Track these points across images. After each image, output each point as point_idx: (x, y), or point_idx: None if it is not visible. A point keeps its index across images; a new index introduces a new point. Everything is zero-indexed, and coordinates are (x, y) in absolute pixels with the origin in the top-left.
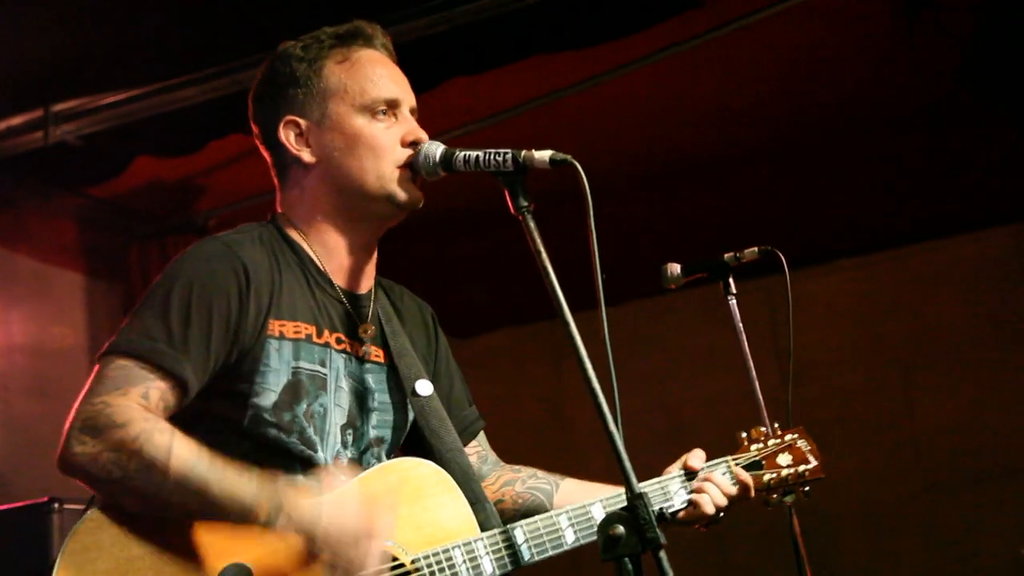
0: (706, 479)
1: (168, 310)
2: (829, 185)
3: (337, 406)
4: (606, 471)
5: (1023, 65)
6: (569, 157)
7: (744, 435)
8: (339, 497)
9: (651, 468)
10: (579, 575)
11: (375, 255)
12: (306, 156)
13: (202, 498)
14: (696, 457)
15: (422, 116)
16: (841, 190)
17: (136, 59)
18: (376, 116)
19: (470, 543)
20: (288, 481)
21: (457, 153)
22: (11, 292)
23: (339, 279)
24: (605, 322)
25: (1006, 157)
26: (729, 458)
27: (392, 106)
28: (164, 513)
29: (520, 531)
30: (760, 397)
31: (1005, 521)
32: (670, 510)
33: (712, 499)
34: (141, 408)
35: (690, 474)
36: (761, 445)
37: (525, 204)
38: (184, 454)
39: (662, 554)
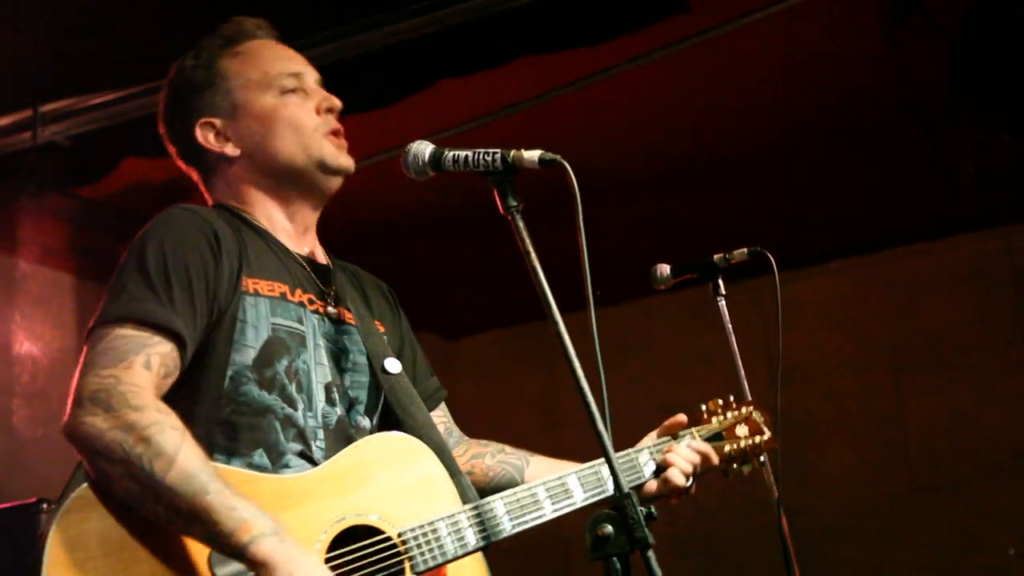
0: (670, 450)
1: (148, 274)
2: (819, 187)
3: (318, 364)
4: None
5: (1014, 67)
6: (558, 157)
7: (704, 408)
8: (319, 566)
9: None
10: (569, 574)
11: (314, 231)
12: (229, 150)
13: (197, 500)
14: (673, 424)
15: (413, 117)
16: (831, 192)
17: (124, 60)
18: (284, 93)
19: (454, 515)
20: (272, 494)
21: (446, 153)
22: (1, 294)
23: (294, 245)
24: (594, 323)
25: (996, 159)
26: (692, 430)
27: (298, 79)
28: (151, 507)
29: (501, 503)
30: (749, 398)
31: (995, 522)
32: (639, 481)
33: (680, 469)
34: (152, 392)
35: (658, 444)
36: (721, 417)
37: (514, 204)
38: (192, 455)
39: (650, 553)
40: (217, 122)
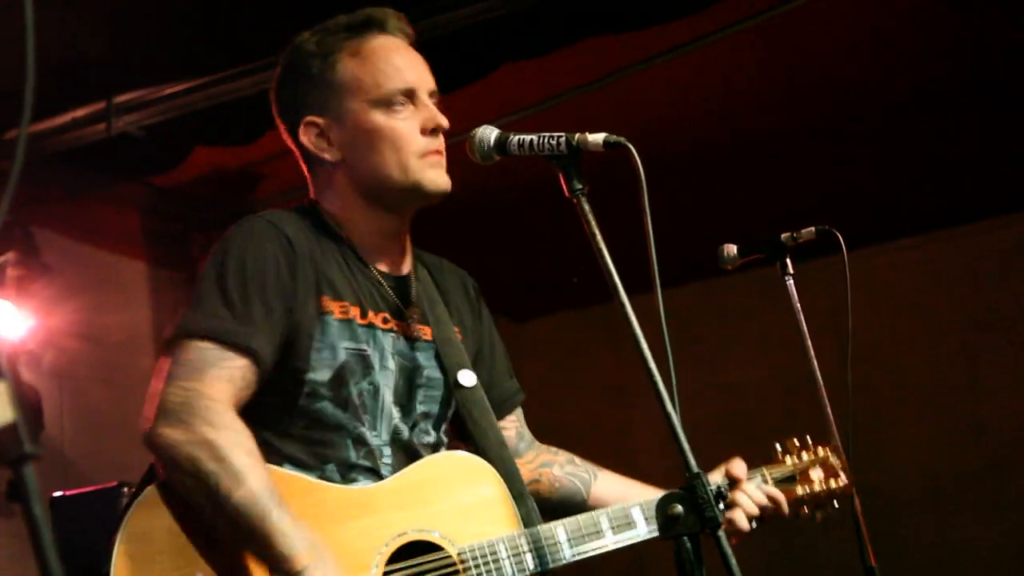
0: (740, 490)
1: (226, 289)
2: (888, 164)
3: (386, 385)
4: (664, 453)
5: None
6: (623, 139)
7: (779, 447)
8: None
9: (709, 450)
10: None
11: (408, 238)
12: (329, 156)
13: (257, 524)
14: (737, 465)
15: (477, 102)
16: (900, 169)
17: (195, 50)
18: (393, 108)
19: (514, 538)
20: (335, 503)
21: (511, 137)
22: (77, 281)
23: (377, 263)
24: (661, 304)
25: None
26: (764, 469)
27: (409, 94)
28: (213, 520)
29: (563, 529)
30: (819, 378)
31: None
32: None
33: (745, 511)
34: (230, 408)
35: (730, 482)
36: (795, 458)
37: (579, 187)
38: (261, 479)
39: (721, 533)
40: (321, 123)
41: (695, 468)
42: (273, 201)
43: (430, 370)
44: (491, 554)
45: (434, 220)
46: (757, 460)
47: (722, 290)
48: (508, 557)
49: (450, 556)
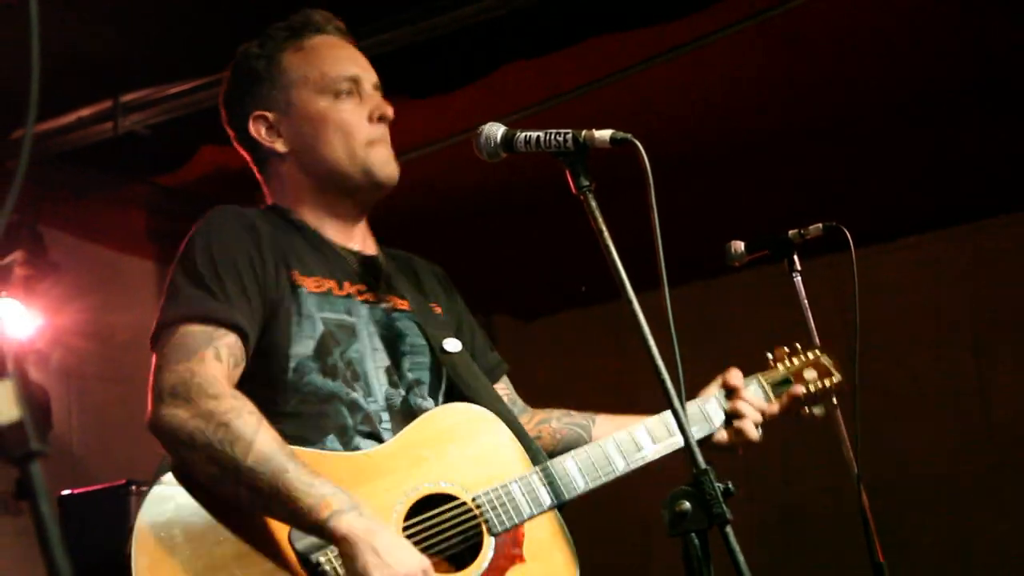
0: (740, 399)
1: (199, 275)
2: (896, 162)
3: (374, 350)
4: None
5: None
6: (629, 136)
7: (770, 355)
8: (398, 539)
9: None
10: (650, 553)
11: (368, 226)
12: (279, 147)
13: (276, 479)
14: (733, 375)
15: (481, 100)
16: (909, 166)
17: (201, 49)
18: (339, 96)
19: (526, 477)
20: (346, 471)
21: (518, 134)
22: (84, 280)
23: (343, 243)
24: (669, 301)
25: None
26: (759, 375)
27: (355, 83)
28: (232, 489)
29: (572, 461)
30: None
31: None
32: (709, 431)
33: (751, 419)
34: (227, 381)
35: (727, 392)
36: (787, 363)
37: (586, 184)
38: (269, 438)
39: (728, 529)
40: (270, 116)
41: (702, 464)
42: None
43: (413, 337)
44: (506, 495)
45: (437, 219)
46: (769, 455)
47: (729, 288)
48: (523, 495)
49: (466, 503)
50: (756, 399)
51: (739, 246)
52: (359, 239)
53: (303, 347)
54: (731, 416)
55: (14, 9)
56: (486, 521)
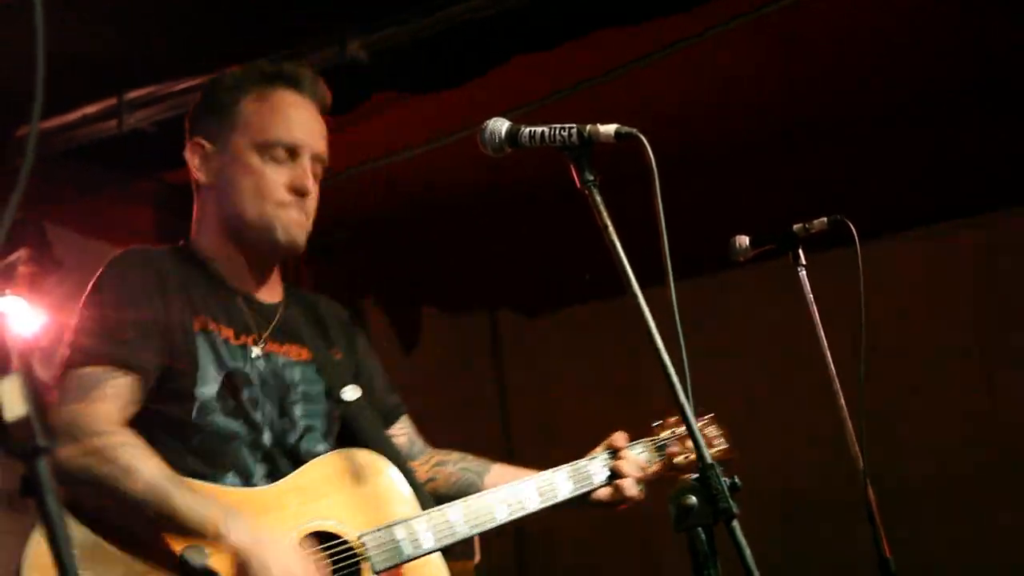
0: (623, 459)
1: (101, 317)
2: (902, 153)
3: (268, 396)
4: None
5: None
6: (634, 130)
7: (657, 423)
8: (279, 548)
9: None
10: (650, 548)
11: (277, 273)
12: (203, 177)
13: (164, 505)
14: (617, 437)
15: (486, 95)
16: (913, 159)
17: (206, 46)
18: (271, 156)
19: (410, 521)
20: (237, 503)
21: (522, 129)
22: (89, 277)
23: (245, 290)
24: (674, 296)
25: None
26: (644, 440)
27: (291, 152)
28: (124, 519)
29: (456, 508)
30: (832, 368)
31: None
32: (589, 487)
33: (632, 476)
34: (114, 420)
35: (612, 452)
36: (671, 431)
37: (591, 178)
38: (155, 467)
39: (735, 524)
40: (207, 146)
41: (709, 459)
42: None
43: (307, 385)
44: (389, 536)
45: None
46: (775, 450)
47: (735, 283)
48: (405, 537)
49: (351, 542)
50: (638, 460)
51: (744, 240)
52: (264, 286)
53: (207, 389)
54: (614, 474)
55: (15, 9)
56: (368, 559)
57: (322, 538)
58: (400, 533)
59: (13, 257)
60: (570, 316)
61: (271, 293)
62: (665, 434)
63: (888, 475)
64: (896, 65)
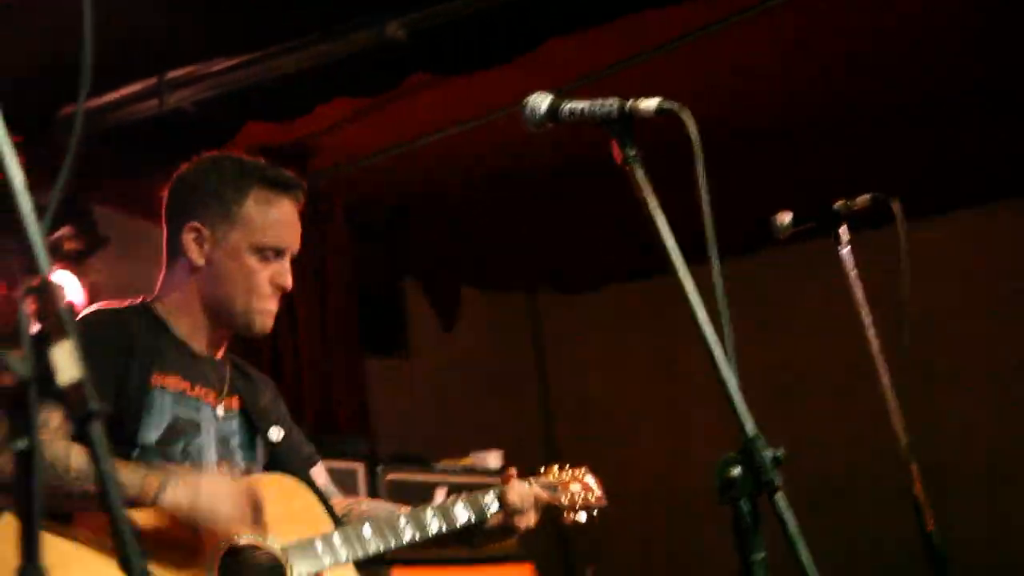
0: (511, 488)
1: None
2: (947, 134)
3: (210, 444)
4: (715, 424)
5: None
6: (675, 106)
7: (543, 469)
8: (216, 478)
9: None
10: (695, 522)
11: (226, 343)
12: (195, 258)
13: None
14: (511, 472)
15: (523, 77)
16: (958, 139)
17: (245, 25)
18: (264, 257)
19: (328, 536)
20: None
21: (563, 105)
22: (132, 256)
23: (200, 350)
24: (718, 269)
25: None
26: (531, 479)
27: (278, 253)
28: (69, 503)
29: (367, 525)
30: (876, 348)
31: None
32: (483, 517)
33: (521, 504)
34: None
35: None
36: (556, 475)
37: (632, 154)
38: (80, 451)
39: (778, 496)
40: (206, 233)
41: (752, 432)
42: (325, 175)
43: (241, 435)
44: (310, 547)
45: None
46: (816, 428)
47: (777, 261)
48: (323, 550)
49: (273, 551)
50: (524, 490)
51: (786, 218)
52: (215, 347)
53: (149, 436)
54: (503, 504)
55: None
56: (292, 567)
57: (252, 548)
58: (319, 545)
59: (57, 234)
60: (609, 295)
61: (220, 354)
62: (550, 479)
63: (931, 458)
64: (949, 42)
